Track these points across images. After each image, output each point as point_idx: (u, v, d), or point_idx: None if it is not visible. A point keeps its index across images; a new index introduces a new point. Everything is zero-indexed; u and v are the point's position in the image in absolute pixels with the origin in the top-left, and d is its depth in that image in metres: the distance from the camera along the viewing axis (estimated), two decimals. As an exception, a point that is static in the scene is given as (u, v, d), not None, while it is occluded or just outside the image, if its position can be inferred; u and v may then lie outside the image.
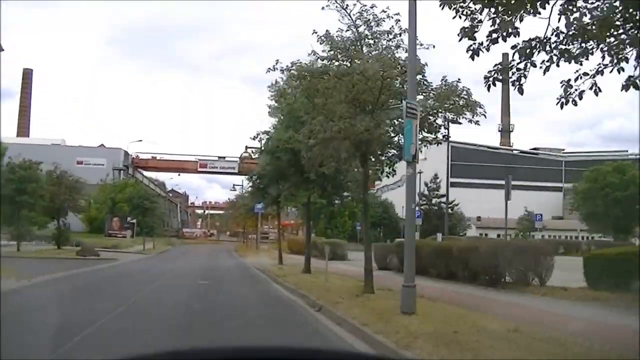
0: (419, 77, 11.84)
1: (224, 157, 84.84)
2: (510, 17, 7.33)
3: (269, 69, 13.32)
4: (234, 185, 66.52)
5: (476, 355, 6.68)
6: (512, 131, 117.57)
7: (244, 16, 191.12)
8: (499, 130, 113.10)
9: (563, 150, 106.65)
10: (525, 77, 7.65)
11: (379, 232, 67.01)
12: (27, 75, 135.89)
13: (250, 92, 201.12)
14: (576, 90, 7.63)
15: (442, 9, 7.66)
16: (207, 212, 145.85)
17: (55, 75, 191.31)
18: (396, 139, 13.19)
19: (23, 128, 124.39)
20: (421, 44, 11.41)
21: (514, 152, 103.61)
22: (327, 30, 12.65)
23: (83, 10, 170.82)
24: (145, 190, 49.15)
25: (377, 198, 65.13)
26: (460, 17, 7.58)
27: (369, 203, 53.98)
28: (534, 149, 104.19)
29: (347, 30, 12.77)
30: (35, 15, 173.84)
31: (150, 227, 77.95)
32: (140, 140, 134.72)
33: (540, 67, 7.45)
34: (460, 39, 7.61)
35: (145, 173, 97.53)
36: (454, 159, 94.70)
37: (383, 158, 13.77)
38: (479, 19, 7.52)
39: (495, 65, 7.84)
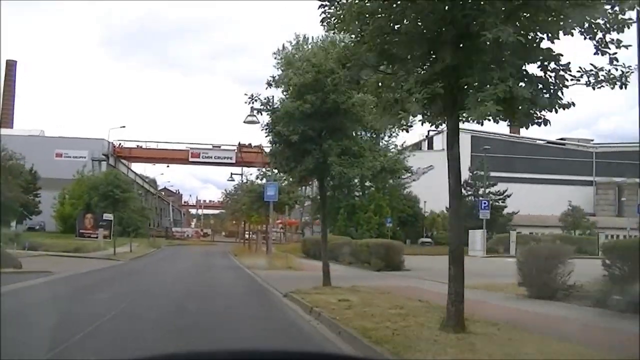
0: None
1: (219, 146, 71.09)
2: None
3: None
4: (231, 174, 52.90)
5: None
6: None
7: (236, 17, 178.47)
8: (508, 125, 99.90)
9: (592, 140, 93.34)
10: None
11: (399, 232, 52.63)
12: (11, 66, 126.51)
13: (244, 90, 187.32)
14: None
15: None
16: (201, 211, 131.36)
17: (44, 68, 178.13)
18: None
19: (6, 119, 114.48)
20: None
21: (539, 142, 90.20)
22: None
23: (74, 6, 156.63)
24: (115, 176, 35.18)
25: (404, 188, 51.34)
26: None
27: (397, 195, 40.12)
28: (561, 139, 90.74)
29: None
30: (20, 8, 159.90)
31: (135, 226, 64.86)
32: (124, 127, 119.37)
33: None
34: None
35: (133, 167, 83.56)
36: (474, 149, 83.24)
37: None
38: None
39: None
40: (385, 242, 25.57)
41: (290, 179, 18.72)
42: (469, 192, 49.31)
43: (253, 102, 14.14)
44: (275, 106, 14.10)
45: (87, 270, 23.85)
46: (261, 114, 14.27)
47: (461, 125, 7.87)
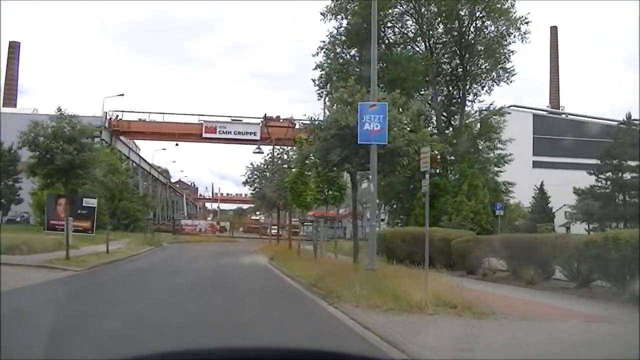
0: None
1: (240, 119, 55.03)
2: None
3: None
4: (259, 145, 37.16)
5: None
6: (562, 113, 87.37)
7: (248, 14, 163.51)
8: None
9: (671, 121, 75.73)
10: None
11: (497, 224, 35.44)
12: (14, 47, 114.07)
13: (258, 86, 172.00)
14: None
15: None
16: (218, 205, 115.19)
17: (48, 51, 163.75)
18: None
19: (10, 99, 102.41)
20: None
21: (610, 123, 72.83)
22: None
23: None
24: (67, 122, 19.06)
25: (504, 163, 34.55)
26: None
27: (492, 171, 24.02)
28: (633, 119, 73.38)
29: None
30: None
31: (134, 218, 49.07)
32: (122, 95, 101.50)
33: None
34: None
35: (142, 153, 67.98)
36: (537, 131, 66.59)
37: None
38: None
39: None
40: None
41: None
42: (609, 166, 32.92)
43: None
44: None
45: None
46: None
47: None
